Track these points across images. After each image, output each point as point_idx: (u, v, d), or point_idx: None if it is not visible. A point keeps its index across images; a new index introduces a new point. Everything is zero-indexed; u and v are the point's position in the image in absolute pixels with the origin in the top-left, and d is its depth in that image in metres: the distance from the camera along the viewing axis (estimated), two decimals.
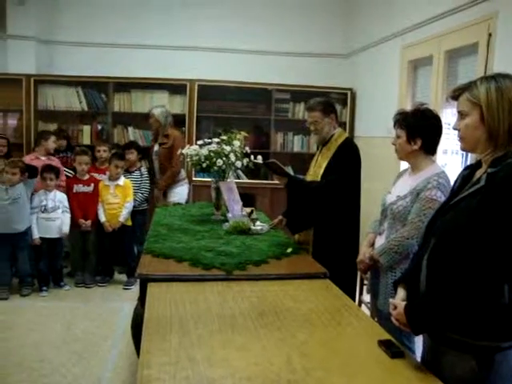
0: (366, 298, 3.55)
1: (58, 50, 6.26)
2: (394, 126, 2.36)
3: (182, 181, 4.96)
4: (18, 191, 4.29)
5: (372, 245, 2.49)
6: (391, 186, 2.53)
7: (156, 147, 4.96)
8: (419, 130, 2.26)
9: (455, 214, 1.53)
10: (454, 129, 1.61)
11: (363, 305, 3.59)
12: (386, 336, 1.75)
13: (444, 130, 2.35)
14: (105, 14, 6.18)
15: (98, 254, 4.79)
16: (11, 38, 5.95)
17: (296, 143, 6.30)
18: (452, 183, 2.10)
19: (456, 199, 1.57)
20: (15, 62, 5.94)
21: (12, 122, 6.14)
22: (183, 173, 4.98)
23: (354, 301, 2.80)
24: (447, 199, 1.67)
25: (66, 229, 4.57)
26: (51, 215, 4.50)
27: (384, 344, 1.66)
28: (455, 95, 1.59)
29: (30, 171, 4.37)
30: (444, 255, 1.52)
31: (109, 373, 3.12)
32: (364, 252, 2.47)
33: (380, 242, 2.41)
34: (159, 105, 5.31)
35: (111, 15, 6.18)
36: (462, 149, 1.64)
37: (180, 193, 4.84)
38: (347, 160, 3.04)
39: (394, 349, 1.63)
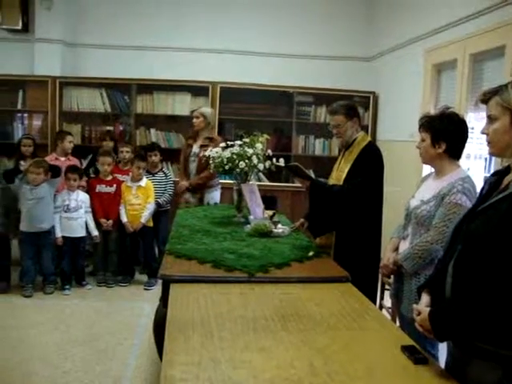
0: (387, 302, 3.54)
1: (83, 52, 6.38)
2: (419, 129, 2.34)
3: (217, 186, 4.91)
4: (42, 191, 4.36)
5: (396, 249, 2.48)
6: (415, 190, 2.50)
7: (195, 148, 4.83)
8: (444, 133, 2.23)
9: (483, 220, 1.51)
10: (482, 133, 1.59)
11: (384, 309, 3.57)
12: (409, 342, 1.74)
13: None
14: (128, 17, 6.27)
15: (120, 254, 4.84)
16: (38, 41, 6.10)
17: (317, 146, 6.30)
18: (477, 188, 2.08)
19: (484, 206, 1.54)
20: (42, 64, 6.09)
21: (37, 122, 6.25)
22: (218, 178, 4.88)
23: (375, 305, 2.78)
24: (474, 205, 1.65)
25: (95, 232, 4.65)
26: (73, 215, 4.56)
27: (407, 350, 1.64)
28: (485, 99, 1.57)
29: (53, 171, 4.44)
30: (471, 262, 1.49)
31: (130, 372, 3.15)
32: (388, 257, 2.45)
33: (404, 246, 2.39)
34: (204, 106, 5.27)
35: (135, 18, 6.27)
36: (490, 153, 1.62)
37: (215, 198, 4.81)
38: (370, 164, 3.03)
39: (418, 355, 1.61)
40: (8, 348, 3.37)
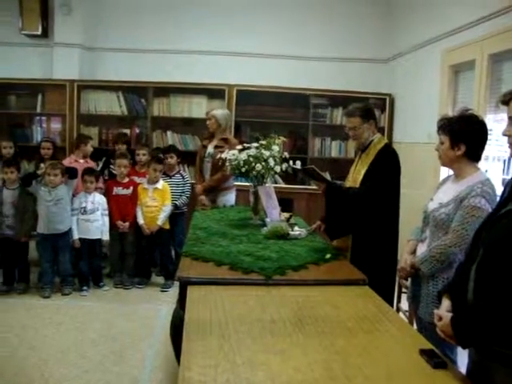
0: (404, 305, 3.51)
1: (101, 56, 6.46)
2: (438, 131, 2.31)
3: (232, 188, 4.91)
4: (60, 193, 4.41)
5: (413, 252, 2.46)
6: (433, 192, 2.48)
7: (210, 149, 4.82)
8: (463, 135, 2.21)
9: (505, 224, 1.49)
10: (504, 135, 1.57)
11: (401, 312, 3.54)
12: (428, 345, 1.72)
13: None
14: (145, 21, 6.33)
15: (136, 256, 4.86)
16: (57, 45, 6.18)
17: (334, 149, 6.28)
18: (497, 191, 2.06)
19: (505, 209, 1.52)
20: (60, 68, 6.18)
21: (55, 125, 6.34)
22: (232, 180, 4.87)
23: (392, 308, 2.76)
24: (495, 209, 1.63)
25: (106, 236, 4.68)
26: (90, 217, 4.60)
27: (426, 353, 1.63)
28: (505, 100, 1.56)
29: (69, 173, 4.49)
30: (494, 266, 1.47)
31: (146, 373, 3.17)
32: (405, 259, 2.44)
33: (422, 249, 2.37)
34: (220, 108, 5.27)
35: (152, 22, 6.33)
36: None
37: (229, 200, 4.81)
38: (386, 166, 3.02)
39: (437, 359, 1.59)
40: (27, 348, 3.42)
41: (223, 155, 3.74)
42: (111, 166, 5.21)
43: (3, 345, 3.44)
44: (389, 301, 2.83)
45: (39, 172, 4.47)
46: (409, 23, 5.72)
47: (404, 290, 3.46)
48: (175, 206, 4.88)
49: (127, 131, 6.17)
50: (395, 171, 3.05)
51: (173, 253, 5.03)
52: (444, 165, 2.41)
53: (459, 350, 2.11)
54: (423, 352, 1.64)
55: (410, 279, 2.53)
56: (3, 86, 6.17)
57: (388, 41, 6.26)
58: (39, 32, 6.22)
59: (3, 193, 4.47)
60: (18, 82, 6.12)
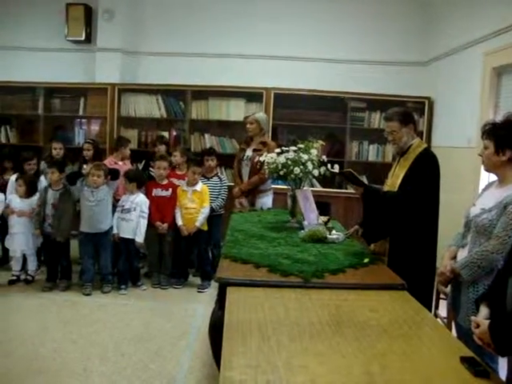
0: (442, 312, 3.46)
1: (141, 60, 6.61)
2: (482, 136, 2.28)
3: (269, 191, 4.94)
4: (102, 193, 4.53)
5: (454, 258, 2.43)
6: (476, 197, 2.45)
7: (249, 152, 4.90)
8: (508, 140, 2.18)
9: None
10: None
11: (439, 319, 3.49)
12: (469, 353, 1.69)
13: None
14: (184, 25, 6.44)
15: (174, 257, 4.93)
16: (100, 50, 6.36)
17: (371, 152, 6.24)
18: None
19: None
20: (102, 72, 6.36)
21: (96, 128, 6.53)
22: (270, 183, 4.92)
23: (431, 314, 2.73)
24: None
25: (139, 238, 4.69)
26: (126, 216, 4.68)
27: (467, 361, 1.60)
28: None
29: (112, 174, 4.60)
30: None
31: (183, 372, 3.21)
32: (445, 265, 2.41)
33: (462, 255, 2.34)
34: (258, 111, 5.33)
35: (190, 26, 6.44)
36: None
37: (266, 203, 4.85)
38: (425, 171, 2.98)
39: (478, 367, 1.56)
40: (69, 343, 3.52)
41: (261, 158, 3.77)
42: (150, 168, 5.31)
43: (47, 341, 3.56)
44: (426, 307, 2.79)
45: (84, 172, 4.59)
46: (448, 24, 5.63)
47: (442, 296, 3.41)
48: (211, 209, 4.93)
49: (165, 134, 6.28)
50: (435, 175, 3.01)
51: (210, 254, 5.09)
52: (488, 170, 2.37)
53: (500, 358, 2.07)
54: (464, 360, 1.62)
55: (449, 285, 2.49)
56: (49, 90, 6.43)
57: (427, 43, 6.17)
58: (83, 38, 6.45)
59: (48, 193, 4.63)
60: (62, 85, 6.35)
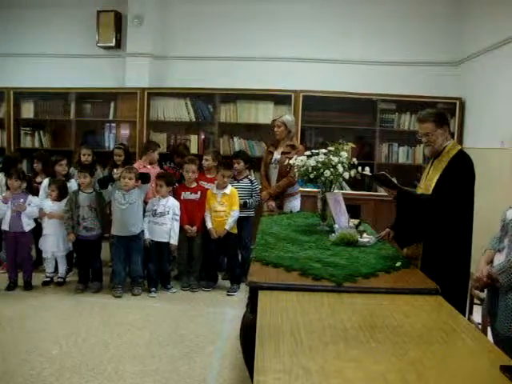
0: (476, 317, 3.38)
1: (170, 64, 6.68)
2: None
3: (297, 194, 4.93)
4: (133, 196, 4.59)
5: (490, 262, 2.37)
6: None
7: (277, 155, 4.91)
8: None
9: None
10: None
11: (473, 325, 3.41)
12: (509, 361, 1.64)
13: None
14: (212, 29, 6.49)
15: (203, 260, 4.95)
16: (129, 55, 6.47)
17: (401, 155, 6.16)
18: None
19: None
20: (132, 77, 6.47)
21: (125, 132, 6.62)
22: (298, 186, 4.92)
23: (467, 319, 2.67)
24: None
25: (174, 240, 4.75)
26: (159, 220, 4.72)
27: (508, 370, 1.55)
28: None
29: (142, 178, 4.65)
30: None
31: (213, 374, 3.22)
32: (482, 269, 2.35)
33: (499, 259, 2.29)
34: (286, 114, 5.25)
35: (218, 30, 6.48)
36: None
37: (295, 206, 4.84)
38: (461, 173, 2.91)
39: None
40: (101, 345, 3.57)
41: (291, 161, 3.76)
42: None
43: (79, 341, 3.62)
44: (460, 312, 2.73)
45: (115, 176, 4.66)
46: (480, 24, 5.52)
47: (476, 301, 3.32)
48: (244, 204, 4.90)
49: (195, 137, 6.33)
50: (470, 178, 2.93)
51: (239, 257, 5.09)
52: None
53: None
54: (505, 368, 1.56)
55: (486, 290, 2.44)
56: (80, 95, 6.55)
57: (457, 43, 6.07)
58: (113, 44, 6.58)
59: (79, 196, 4.71)
60: (93, 91, 6.47)
